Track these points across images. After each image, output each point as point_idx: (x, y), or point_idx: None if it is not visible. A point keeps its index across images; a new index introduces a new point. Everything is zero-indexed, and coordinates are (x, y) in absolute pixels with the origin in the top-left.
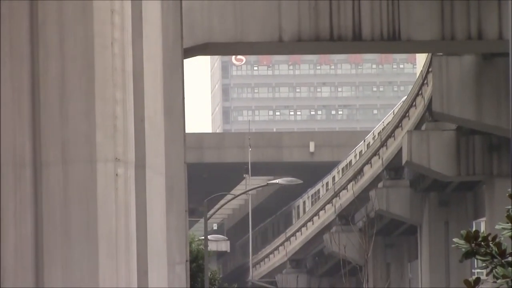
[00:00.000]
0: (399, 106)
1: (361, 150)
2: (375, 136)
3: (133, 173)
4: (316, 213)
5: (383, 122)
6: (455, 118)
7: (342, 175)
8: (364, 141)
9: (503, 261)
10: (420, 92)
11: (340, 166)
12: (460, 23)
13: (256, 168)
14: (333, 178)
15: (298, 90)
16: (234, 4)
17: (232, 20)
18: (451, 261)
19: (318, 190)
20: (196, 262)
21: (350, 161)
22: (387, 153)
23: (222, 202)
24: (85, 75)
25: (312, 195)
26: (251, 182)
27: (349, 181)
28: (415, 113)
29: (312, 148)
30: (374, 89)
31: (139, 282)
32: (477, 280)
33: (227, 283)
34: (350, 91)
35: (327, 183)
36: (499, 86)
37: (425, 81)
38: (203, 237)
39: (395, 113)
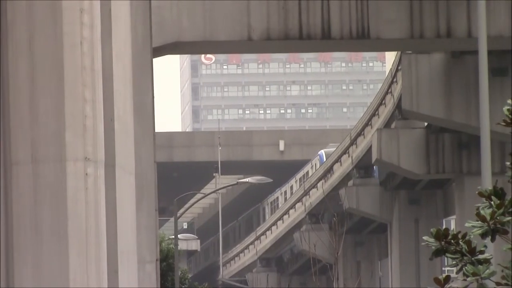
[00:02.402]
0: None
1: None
2: (297, 180)
3: (103, 172)
4: (286, 212)
5: (303, 169)
6: (425, 116)
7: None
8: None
9: (473, 259)
10: (390, 90)
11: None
12: (429, 21)
13: (226, 166)
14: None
15: (267, 88)
16: (203, 3)
17: (201, 19)
18: (421, 259)
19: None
20: (166, 261)
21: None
22: (357, 152)
23: (192, 201)
24: (55, 74)
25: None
26: (221, 181)
27: (319, 179)
28: (385, 111)
29: (282, 146)
30: (344, 87)
31: (109, 281)
32: (447, 278)
33: (197, 282)
34: (320, 90)
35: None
36: (468, 84)
37: (395, 79)
38: (173, 236)
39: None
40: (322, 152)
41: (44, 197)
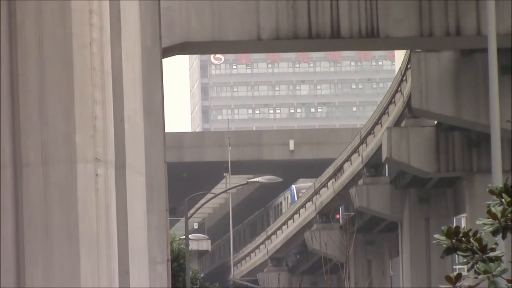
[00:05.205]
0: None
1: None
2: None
3: (113, 173)
4: (297, 211)
5: (276, 199)
6: (434, 114)
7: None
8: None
9: (484, 256)
10: (399, 88)
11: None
12: (438, 20)
13: (236, 166)
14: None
15: (277, 88)
16: (212, 3)
17: (210, 19)
18: (432, 257)
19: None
20: (177, 262)
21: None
22: (367, 150)
23: (202, 201)
24: (64, 76)
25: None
26: (231, 180)
27: (329, 178)
28: (395, 110)
29: (292, 146)
30: (353, 86)
31: (120, 282)
32: (459, 276)
33: (208, 282)
34: (329, 89)
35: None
36: (477, 82)
37: (404, 78)
38: (184, 236)
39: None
40: (293, 187)
41: (55, 198)
